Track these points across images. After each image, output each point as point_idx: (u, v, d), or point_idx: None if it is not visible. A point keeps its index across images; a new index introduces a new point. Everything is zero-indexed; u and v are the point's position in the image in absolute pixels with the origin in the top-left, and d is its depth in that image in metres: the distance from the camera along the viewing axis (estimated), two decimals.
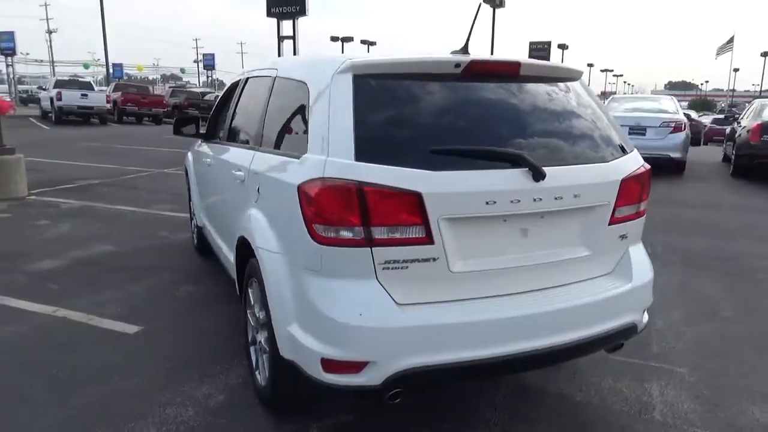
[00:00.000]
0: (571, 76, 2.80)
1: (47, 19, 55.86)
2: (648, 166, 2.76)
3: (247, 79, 3.83)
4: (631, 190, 2.65)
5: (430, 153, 2.24)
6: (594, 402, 3.04)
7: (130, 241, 6.05)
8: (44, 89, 26.61)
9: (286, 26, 24.47)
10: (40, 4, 58.49)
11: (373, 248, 2.19)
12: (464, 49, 2.64)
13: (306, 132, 2.44)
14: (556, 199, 2.39)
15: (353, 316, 2.19)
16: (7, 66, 43.06)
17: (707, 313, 4.30)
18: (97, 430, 2.69)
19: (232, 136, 3.85)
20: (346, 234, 2.18)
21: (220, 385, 3.10)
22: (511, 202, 2.30)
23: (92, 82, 25.25)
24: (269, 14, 23.74)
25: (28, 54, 69.66)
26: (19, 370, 3.25)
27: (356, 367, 2.21)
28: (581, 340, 2.49)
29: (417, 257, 2.24)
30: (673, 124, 10.96)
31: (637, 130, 10.82)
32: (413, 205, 2.19)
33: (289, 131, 2.79)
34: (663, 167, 10.83)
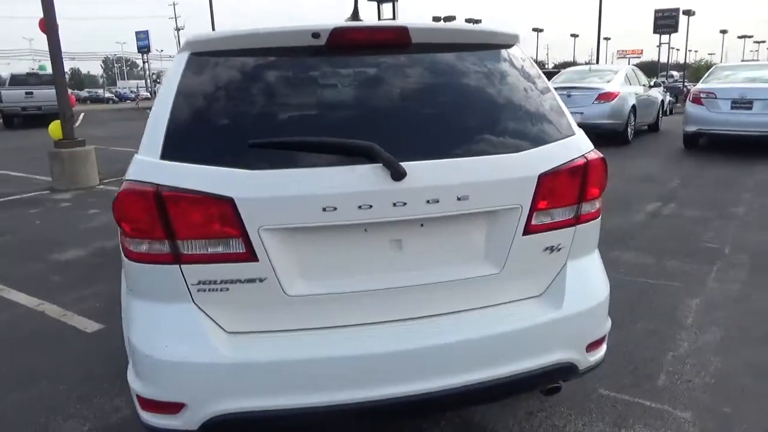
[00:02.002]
0: (492, 41, 2.18)
1: (175, 17, 60.30)
2: (594, 156, 2.08)
3: None
4: (558, 188, 2.00)
5: (250, 148, 1.79)
6: None
7: None
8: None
9: (386, 9, 24.24)
10: (168, 3, 63.03)
11: (182, 266, 1.80)
12: (354, 15, 2.12)
13: None
14: (429, 202, 1.83)
15: (158, 347, 1.81)
16: (144, 62, 47.12)
17: (755, 337, 3.39)
18: None
19: None
20: (150, 248, 1.80)
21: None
22: (360, 207, 1.79)
23: None
24: None
25: (162, 51, 75.97)
26: None
27: (172, 407, 1.85)
28: (484, 383, 1.93)
29: (238, 277, 1.82)
30: None
31: (741, 103, 9.20)
32: (225, 213, 1.76)
33: None
34: None
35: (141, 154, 1.85)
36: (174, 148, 1.81)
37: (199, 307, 1.85)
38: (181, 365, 1.80)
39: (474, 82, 2.08)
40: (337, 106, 1.98)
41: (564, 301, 2.04)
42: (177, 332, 1.84)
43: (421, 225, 1.91)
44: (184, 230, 1.78)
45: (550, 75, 13.98)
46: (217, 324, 1.86)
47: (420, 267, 1.94)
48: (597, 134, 10.33)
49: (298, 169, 1.78)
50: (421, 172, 1.82)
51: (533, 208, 1.97)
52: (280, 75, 1.98)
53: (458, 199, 1.86)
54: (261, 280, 1.82)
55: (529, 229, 1.98)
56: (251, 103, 1.91)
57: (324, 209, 1.77)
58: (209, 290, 1.83)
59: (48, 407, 2.82)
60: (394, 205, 1.81)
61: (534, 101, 2.12)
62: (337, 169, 1.79)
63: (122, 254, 1.92)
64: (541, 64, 35.61)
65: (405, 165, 1.78)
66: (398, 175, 1.77)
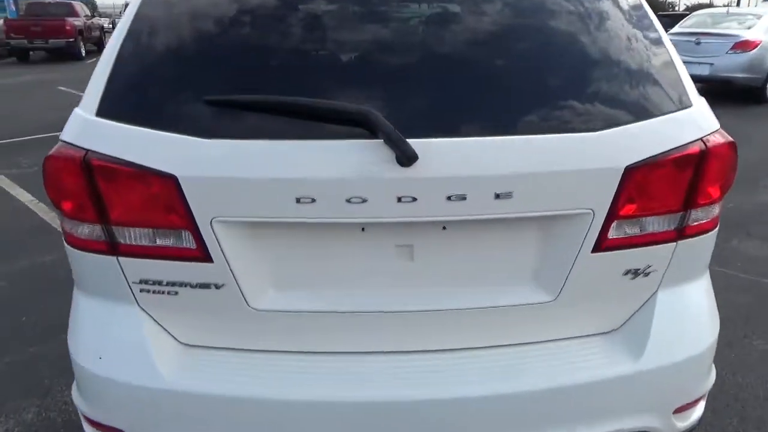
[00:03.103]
0: None
1: None
2: (717, 140, 1.39)
3: None
4: (655, 186, 1.35)
5: (206, 105, 1.29)
6: None
7: None
8: None
9: None
10: None
11: (120, 258, 1.37)
12: None
13: None
14: (452, 199, 1.26)
15: (92, 359, 1.42)
16: None
17: None
18: None
19: None
20: (84, 232, 1.38)
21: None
22: (349, 201, 1.25)
23: None
24: None
25: None
26: None
27: (111, 431, 1.47)
28: None
29: (188, 280, 1.36)
30: None
31: None
32: (167, 195, 1.29)
33: None
34: None
35: (80, 108, 1.40)
36: (113, 103, 1.35)
37: (145, 312, 1.42)
38: (115, 384, 1.40)
39: (536, 19, 1.44)
40: (329, 56, 1.42)
41: (646, 348, 1.42)
42: (115, 342, 1.43)
43: (443, 228, 1.34)
44: (118, 213, 1.33)
45: (678, 18, 12.25)
46: (168, 333, 1.44)
47: (438, 284, 1.40)
48: (727, 90, 8.90)
49: (265, 141, 1.26)
50: (440, 154, 1.24)
51: (613, 215, 1.34)
52: (257, 13, 1.44)
53: (497, 196, 1.27)
54: (217, 287, 1.35)
55: (602, 244, 1.36)
56: (216, 47, 1.40)
57: (298, 200, 1.25)
58: (155, 292, 1.39)
59: None
60: (399, 200, 1.25)
61: (634, 56, 1.44)
62: (318, 145, 1.26)
63: None
64: (669, 5, 32.14)
65: (417, 143, 1.21)
66: (405, 157, 1.20)
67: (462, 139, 1.26)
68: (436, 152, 1.24)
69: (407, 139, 1.20)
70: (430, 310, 1.38)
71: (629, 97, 1.38)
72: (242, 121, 1.29)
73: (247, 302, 1.36)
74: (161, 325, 1.43)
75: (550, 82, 1.39)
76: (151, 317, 1.42)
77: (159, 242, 1.34)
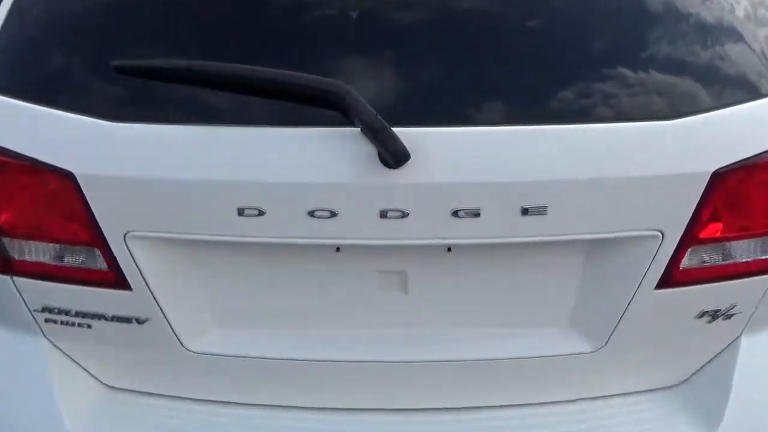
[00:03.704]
0: None
1: None
2: None
3: None
4: (751, 199, 0.95)
5: (115, 75, 0.91)
6: None
7: None
8: None
9: None
10: None
11: (15, 278, 1.02)
12: None
13: None
14: (458, 215, 0.88)
15: None
16: None
17: None
18: None
19: None
20: None
21: None
22: (312, 215, 0.88)
23: None
24: None
25: None
26: None
27: None
28: None
29: (101, 311, 1.01)
30: None
31: None
32: (64, 199, 0.93)
33: None
34: None
35: None
36: (3, 71, 0.98)
37: (55, 346, 1.08)
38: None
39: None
40: (284, 7, 1.00)
41: (726, 411, 1.04)
42: (15, 383, 1.09)
43: (448, 250, 0.96)
44: (5, 218, 0.98)
45: None
46: (87, 372, 1.10)
47: (439, 325, 1.03)
48: None
49: (193, 127, 0.89)
50: (442, 151, 0.86)
51: (689, 238, 0.94)
52: None
53: (524, 212, 0.88)
54: (140, 322, 1.00)
55: (672, 278, 0.97)
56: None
57: (241, 211, 0.88)
58: (63, 323, 1.05)
59: None
60: (383, 215, 0.87)
61: (716, 18, 1.02)
62: (268, 135, 0.88)
63: None
64: None
65: (409, 134, 0.83)
66: (391, 155, 0.82)
67: (474, 129, 0.87)
68: (437, 148, 0.85)
69: (395, 128, 0.82)
70: (429, 361, 1.01)
71: (718, 75, 0.97)
72: (163, 98, 0.92)
73: (180, 342, 1.01)
74: (77, 363, 1.09)
75: (599, 48, 0.98)
76: (64, 353, 1.09)
77: (63, 260, 0.99)
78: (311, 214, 0.87)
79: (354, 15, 0.93)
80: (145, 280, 0.96)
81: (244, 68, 0.85)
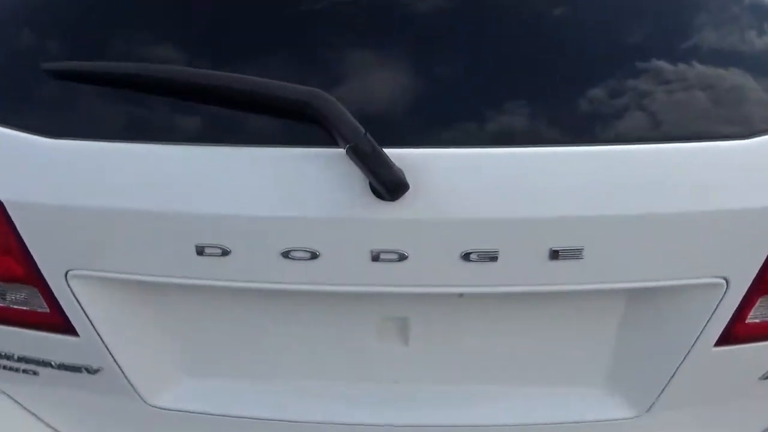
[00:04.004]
0: None
1: None
2: None
3: None
4: None
5: (51, 81, 0.74)
6: None
7: None
8: None
9: None
10: None
11: None
12: None
13: None
14: (469, 259, 0.70)
15: None
16: None
17: None
18: None
19: None
20: None
21: None
22: (286, 255, 0.71)
23: None
24: None
25: None
26: None
27: None
28: None
29: (47, 358, 0.86)
30: None
31: None
32: None
33: None
34: None
35: None
36: None
37: (2, 392, 0.93)
38: None
39: None
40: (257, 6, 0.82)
41: None
42: None
43: (460, 295, 0.78)
44: None
45: None
46: (42, 422, 0.95)
47: (447, 382, 0.85)
48: None
49: (143, 145, 0.72)
50: (449, 179, 0.68)
51: (762, 286, 0.75)
52: None
53: (554, 255, 0.70)
54: (91, 371, 0.85)
55: (737, 333, 0.78)
56: None
57: (201, 251, 0.72)
58: (6, 368, 0.90)
59: None
60: (375, 259, 0.70)
61: None
62: (232, 156, 0.71)
63: None
64: None
65: (407, 157, 0.65)
66: (384, 184, 0.64)
67: (490, 150, 0.69)
68: (443, 175, 0.68)
69: (389, 150, 0.64)
70: (434, 426, 0.84)
71: None
72: (110, 110, 0.75)
73: (140, 396, 0.86)
74: (29, 411, 0.95)
75: (649, 46, 0.78)
76: (13, 400, 0.94)
77: (4, 298, 0.84)
78: (286, 255, 0.70)
79: (341, 8, 0.75)
80: (93, 325, 0.80)
81: (198, 72, 0.68)
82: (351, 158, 0.64)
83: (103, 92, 0.74)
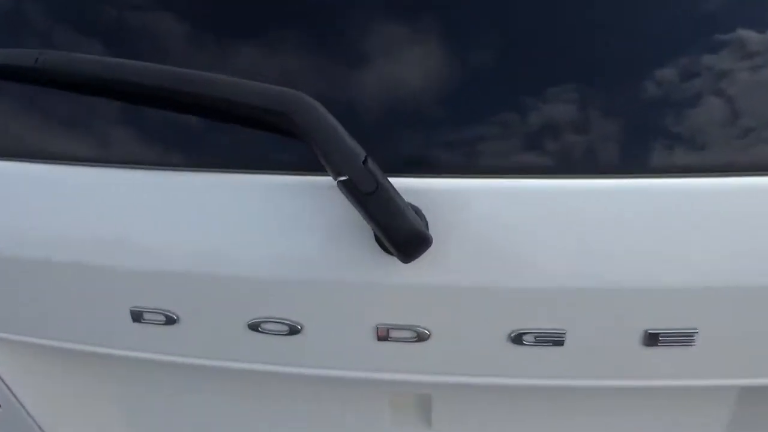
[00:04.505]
0: None
1: None
2: None
3: None
4: None
5: None
6: None
7: None
8: None
9: None
10: None
11: None
12: None
13: None
14: (520, 340, 0.47)
15: None
16: None
17: None
18: None
19: None
20: None
21: None
22: (258, 328, 0.49)
23: None
24: None
25: None
26: None
27: None
28: None
29: None
30: None
31: None
32: None
33: None
34: None
35: None
36: None
37: None
38: None
39: None
40: None
41: None
42: None
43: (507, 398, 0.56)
44: None
45: None
46: None
47: None
48: None
49: (67, 167, 0.50)
50: (491, 223, 0.45)
51: None
52: None
53: (649, 339, 0.46)
54: None
55: None
56: None
57: (137, 317, 0.50)
58: None
59: None
60: (383, 337, 0.48)
61: None
62: (185, 182, 0.49)
63: None
64: None
65: (431, 189, 0.42)
66: (397, 236, 0.41)
67: (555, 181, 0.46)
68: (481, 218, 0.45)
69: (399, 179, 0.42)
70: None
71: None
72: (18, 117, 0.54)
73: None
74: None
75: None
76: None
77: None
78: (255, 327, 0.49)
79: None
80: (15, 396, 0.60)
81: (133, 65, 0.46)
82: (345, 196, 0.42)
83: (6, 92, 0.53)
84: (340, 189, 0.42)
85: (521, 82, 0.47)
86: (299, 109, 0.41)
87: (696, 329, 0.46)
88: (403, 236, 0.41)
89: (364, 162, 0.41)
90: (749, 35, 0.46)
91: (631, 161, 0.46)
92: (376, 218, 0.41)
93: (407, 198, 0.42)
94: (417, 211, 0.43)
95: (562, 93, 0.46)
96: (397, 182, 0.42)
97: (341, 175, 0.41)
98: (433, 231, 0.42)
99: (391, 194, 0.41)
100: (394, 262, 0.43)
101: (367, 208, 0.41)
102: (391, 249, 0.42)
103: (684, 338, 0.46)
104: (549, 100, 0.46)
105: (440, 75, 0.48)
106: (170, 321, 0.50)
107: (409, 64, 0.48)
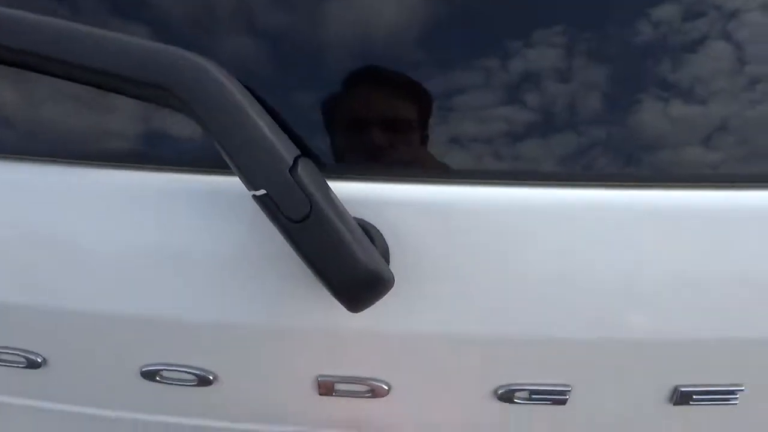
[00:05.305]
0: None
1: None
2: None
3: None
4: None
5: None
6: None
7: None
8: None
9: None
10: None
11: None
12: None
13: None
14: (510, 397, 0.35)
15: None
16: None
17: None
18: None
19: None
20: None
21: None
22: (156, 377, 0.36)
23: None
24: None
25: None
26: None
27: None
28: None
29: None
30: None
31: None
32: None
33: None
34: None
35: None
36: None
37: None
38: None
39: None
40: None
41: None
42: None
43: None
44: None
45: None
46: None
47: None
48: None
49: None
50: (475, 246, 0.32)
51: None
52: None
53: (680, 398, 0.35)
54: None
55: None
56: None
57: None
58: None
59: None
60: (326, 391, 0.35)
61: None
62: (48, 175, 0.34)
63: None
64: None
65: (388, 196, 0.30)
66: (340, 281, 0.28)
67: (558, 191, 0.32)
68: (459, 237, 0.31)
69: (345, 185, 0.28)
70: None
71: None
72: None
73: None
74: None
75: None
76: None
77: None
78: (150, 375, 0.36)
79: None
80: None
81: None
82: (266, 215, 0.28)
83: None
84: (258, 203, 0.28)
85: (506, 74, 0.32)
86: (184, 80, 0.26)
87: (741, 385, 0.34)
88: (348, 281, 0.28)
89: (293, 168, 0.27)
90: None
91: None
92: (308, 255, 0.27)
93: (360, 211, 0.29)
94: (372, 234, 0.30)
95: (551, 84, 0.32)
96: (347, 188, 0.28)
97: (256, 188, 0.27)
98: (395, 258, 0.29)
99: (331, 219, 0.27)
100: (336, 313, 0.30)
101: (295, 238, 0.27)
102: (333, 295, 0.29)
103: (724, 395, 0.35)
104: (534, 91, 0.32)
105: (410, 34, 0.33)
106: (34, 364, 0.36)
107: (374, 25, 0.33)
